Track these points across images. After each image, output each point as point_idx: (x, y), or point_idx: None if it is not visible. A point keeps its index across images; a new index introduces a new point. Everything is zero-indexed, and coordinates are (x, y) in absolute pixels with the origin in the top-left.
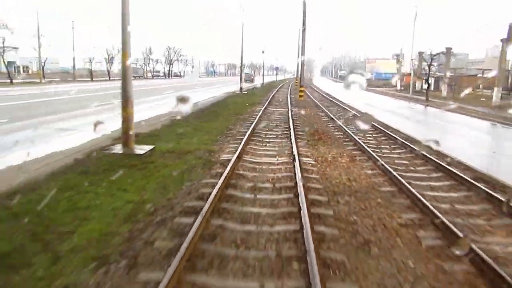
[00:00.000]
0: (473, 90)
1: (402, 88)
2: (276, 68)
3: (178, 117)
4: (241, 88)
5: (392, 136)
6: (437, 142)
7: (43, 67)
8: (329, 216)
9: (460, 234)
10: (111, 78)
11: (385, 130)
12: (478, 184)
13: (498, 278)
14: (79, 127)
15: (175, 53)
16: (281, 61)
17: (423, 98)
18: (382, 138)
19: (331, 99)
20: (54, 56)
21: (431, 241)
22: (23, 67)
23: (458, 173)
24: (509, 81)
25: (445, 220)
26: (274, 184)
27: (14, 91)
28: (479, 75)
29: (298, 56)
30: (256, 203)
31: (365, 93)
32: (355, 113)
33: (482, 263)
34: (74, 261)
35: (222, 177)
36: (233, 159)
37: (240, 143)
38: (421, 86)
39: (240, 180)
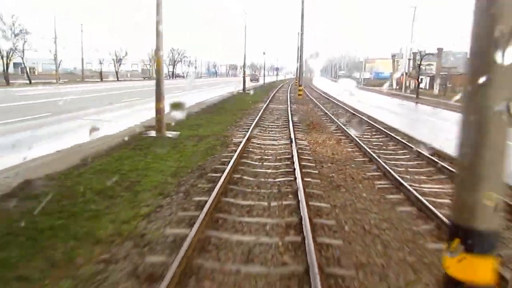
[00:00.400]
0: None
1: (398, 87)
2: (277, 69)
3: (192, 112)
4: (244, 88)
5: (375, 126)
6: (411, 129)
7: (57, 69)
8: (315, 173)
9: (403, 182)
10: (119, 79)
11: (370, 122)
12: (427, 154)
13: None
14: (113, 119)
15: (179, 54)
16: (281, 62)
17: (415, 96)
18: (366, 127)
19: (327, 97)
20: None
21: (382, 185)
22: (29, 68)
23: (418, 150)
24: None
25: (395, 175)
26: (276, 156)
27: (40, 90)
28: None
29: (298, 59)
30: (263, 167)
31: (361, 92)
32: (347, 108)
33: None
34: (147, 195)
35: (237, 152)
36: (243, 141)
37: (248, 130)
38: (415, 85)
39: (250, 154)
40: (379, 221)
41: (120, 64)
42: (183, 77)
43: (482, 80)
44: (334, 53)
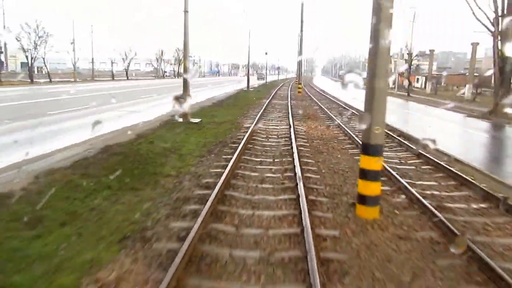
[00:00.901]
0: (457, 87)
1: (393, 86)
2: (278, 68)
3: (206, 106)
4: (248, 86)
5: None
6: (394, 121)
7: (74, 69)
8: (306, 146)
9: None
10: (129, 78)
11: (358, 114)
12: (394, 135)
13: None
14: (144, 110)
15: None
16: (282, 61)
17: (412, 95)
18: (354, 118)
19: (325, 95)
20: (60, 57)
21: (353, 152)
22: (37, 68)
23: (392, 134)
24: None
25: None
26: (278, 135)
27: (64, 88)
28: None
29: (298, 62)
30: (268, 141)
31: (356, 90)
32: (341, 104)
33: None
34: (188, 157)
35: (248, 132)
36: (252, 126)
37: (255, 119)
38: (408, 84)
39: (258, 134)
40: (343, 166)
41: (129, 64)
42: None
43: (372, 71)
44: (334, 53)
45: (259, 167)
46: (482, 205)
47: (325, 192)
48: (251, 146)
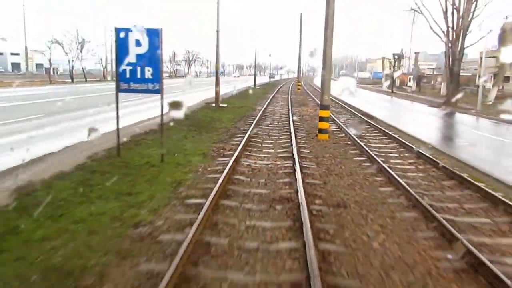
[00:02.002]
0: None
1: (388, 85)
2: (280, 68)
3: (225, 98)
4: (255, 84)
5: (346, 107)
6: (364, 107)
7: (105, 69)
8: (299, 119)
9: (345, 128)
10: None
11: (344, 105)
12: (367, 119)
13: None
14: (183, 99)
15: (193, 55)
16: (284, 61)
17: (395, 91)
18: (340, 108)
19: (319, 90)
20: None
21: (331, 124)
22: (52, 69)
23: (364, 118)
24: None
25: (339, 123)
26: (280, 114)
27: (103, 85)
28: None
29: (298, 66)
30: (274, 116)
31: (352, 88)
32: (332, 98)
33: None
34: (227, 122)
35: (260, 112)
36: (262, 108)
37: (263, 105)
38: (399, 83)
39: (267, 114)
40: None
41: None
42: (197, 76)
43: (323, 67)
44: (336, 54)
45: (270, 127)
46: (377, 133)
47: (303, 127)
48: (264, 118)
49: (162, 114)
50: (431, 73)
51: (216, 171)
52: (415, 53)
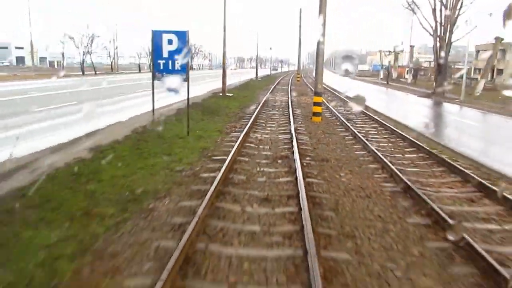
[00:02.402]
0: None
1: (382, 77)
2: (281, 61)
3: (230, 89)
4: (256, 76)
5: (338, 95)
6: (363, 99)
7: (114, 62)
8: (297, 105)
9: (334, 110)
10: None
11: (338, 94)
12: (347, 100)
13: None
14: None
15: (196, 49)
16: (285, 54)
17: (391, 83)
18: (334, 97)
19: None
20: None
21: (324, 109)
22: (57, 62)
23: (351, 101)
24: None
25: (330, 107)
26: (281, 100)
27: (114, 78)
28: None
29: (298, 59)
30: (275, 103)
31: (348, 80)
32: (327, 88)
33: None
34: (234, 108)
35: (264, 99)
36: (265, 98)
37: (265, 95)
38: (397, 76)
39: (270, 101)
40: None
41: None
42: (199, 69)
43: (317, 61)
44: (338, 47)
45: (271, 112)
46: (362, 118)
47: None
48: (266, 104)
49: (188, 98)
50: (428, 65)
51: (231, 141)
52: (410, 46)
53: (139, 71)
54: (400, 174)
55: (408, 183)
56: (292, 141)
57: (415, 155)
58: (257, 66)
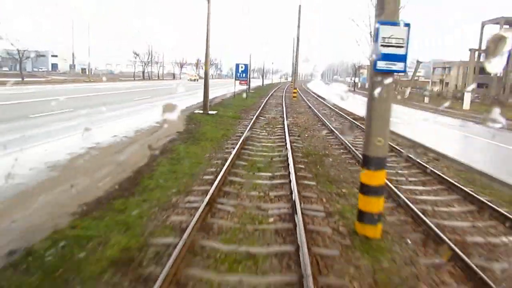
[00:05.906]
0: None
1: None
2: (277, 71)
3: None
4: (248, 88)
5: (321, 101)
6: (340, 101)
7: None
8: (290, 107)
9: (313, 107)
10: (159, 78)
11: (322, 100)
12: (324, 101)
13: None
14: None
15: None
16: (277, 64)
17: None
18: (320, 102)
19: (308, 91)
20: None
21: (308, 110)
22: (81, 69)
23: (329, 105)
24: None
25: (313, 109)
26: (277, 104)
27: (117, 84)
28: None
29: (293, 71)
30: (271, 107)
31: (334, 89)
32: (315, 96)
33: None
34: (236, 107)
35: (262, 104)
36: (262, 105)
37: (263, 102)
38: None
39: (268, 105)
40: (303, 110)
41: (147, 66)
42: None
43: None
44: (334, 60)
45: (268, 115)
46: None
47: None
48: (265, 107)
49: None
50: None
51: (251, 117)
52: (369, 60)
53: (150, 79)
54: (351, 146)
55: (323, 118)
56: (283, 121)
57: (328, 111)
58: (249, 77)
